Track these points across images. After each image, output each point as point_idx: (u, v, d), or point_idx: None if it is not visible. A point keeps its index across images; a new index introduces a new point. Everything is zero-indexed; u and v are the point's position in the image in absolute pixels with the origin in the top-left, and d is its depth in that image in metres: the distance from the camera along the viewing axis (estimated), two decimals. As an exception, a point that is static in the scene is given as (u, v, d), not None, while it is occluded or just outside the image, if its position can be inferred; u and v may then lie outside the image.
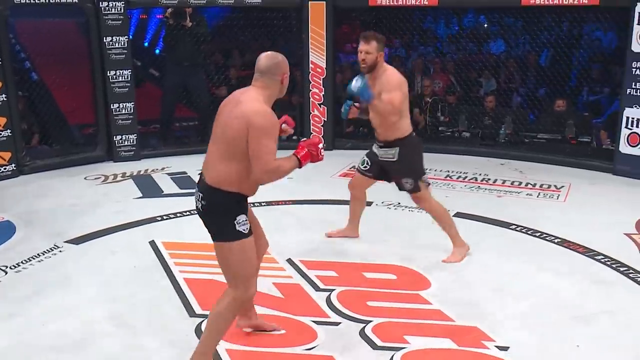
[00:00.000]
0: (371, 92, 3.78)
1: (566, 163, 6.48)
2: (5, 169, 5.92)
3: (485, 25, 8.34)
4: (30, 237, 4.47)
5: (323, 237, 4.52)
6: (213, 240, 2.76)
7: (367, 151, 4.28)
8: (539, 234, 4.59)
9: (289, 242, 4.38)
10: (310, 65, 6.94)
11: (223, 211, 2.69)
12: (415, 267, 4.01)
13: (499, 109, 7.22)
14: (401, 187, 4.11)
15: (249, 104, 2.65)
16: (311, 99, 7.06)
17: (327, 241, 4.45)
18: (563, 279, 3.86)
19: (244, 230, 2.70)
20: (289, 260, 4.09)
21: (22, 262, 4.06)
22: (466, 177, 6.12)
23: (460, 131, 7.37)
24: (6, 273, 3.91)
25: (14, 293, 3.67)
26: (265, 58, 2.75)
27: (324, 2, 6.79)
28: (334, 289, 3.69)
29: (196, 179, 5.70)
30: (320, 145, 2.84)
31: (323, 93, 7.03)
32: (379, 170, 4.19)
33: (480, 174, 6.20)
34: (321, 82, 6.99)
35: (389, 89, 3.82)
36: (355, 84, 3.75)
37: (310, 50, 6.90)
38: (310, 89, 7.02)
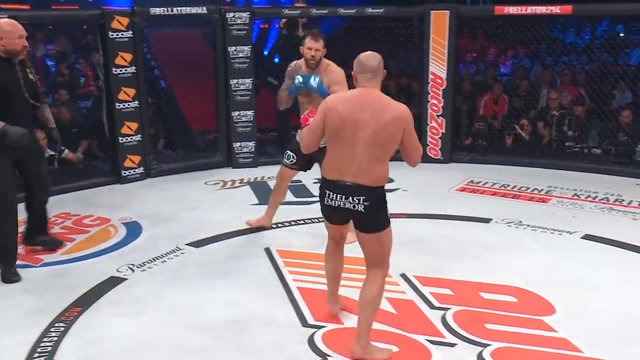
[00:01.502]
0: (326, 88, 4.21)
1: None
2: (134, 171, 6.34)
3: (622, 35, 7.87)
4: (154, 238, 4.76)
5: (440, 253, 4.45)
6: (372, 232, 3.00)
7: (289, 146, 4.62)
8: (679, 263, 4.25)
9: (403, 256, 4.33)
10: (430, 76, 6.87)
11: (383, 204, 3.00)
12: (538, 290, 3.83)
13: (637, 125, 6.76)
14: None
15: (395, 106, 2.93)
16: (429, 110, 6.98)
17: (443, 258, 4.37)
18: None
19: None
20: (403, 275, 4.05)
21: (147, 261, 4.33)
22: (596, 197, 5.78)
23: (590, 147, 6.98)
24: (133, 271, 4.18)
25: (139, 291, 3.91)
26: (373, 58, 2.97)
27: (447, 11, 6.71)
28: (450, 308, 3.61)
29: (311, 187, 5.79)
30: None
31: (442, 105, 6.92)
32: (305, 162, 4.53)
33: (612, 194, 5.83)
34: (440, 93, 6.89)
35: (338, 82, 4.24)
36: (315, 80, 4.19)
37: (430, 60, 6.82)
38: (429, 100, 6.94)
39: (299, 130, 4.50)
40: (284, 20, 7.02)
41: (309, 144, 3.12)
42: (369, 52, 3.00)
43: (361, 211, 2.94)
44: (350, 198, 2.94)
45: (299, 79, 4.22)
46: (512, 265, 4.23)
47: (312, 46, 4.27)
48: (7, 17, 5.57)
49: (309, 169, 4.65)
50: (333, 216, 3.12)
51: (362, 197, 2.92)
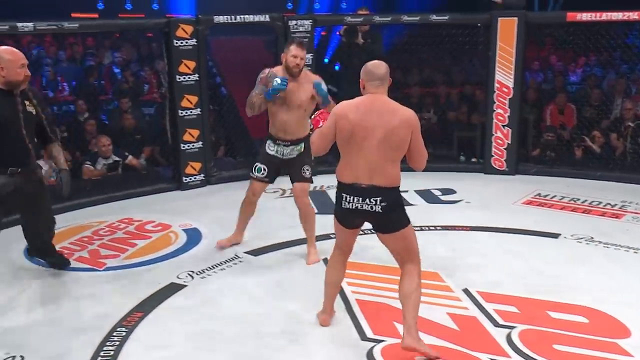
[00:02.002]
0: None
1: None
2: (195, 178, 6.47)
3: None
4: (214, 246, 4.83)
5: (505, 268, 4.34)
6: (393, 231, 3.15)
7: (259, 158, 4.51)
8: None
9: (466, 271, 4.26)
10: (496, 85, 6.73)
11: (400, 203, 3.19)
12: (611, 311, 3.68)
13: None
14: (298, 178, 4.42)
15: (403, 111, 3.10)
16: (494, 120, 6.83)
17: (508, 273, 4.25)
18: None
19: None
20: (465, 291, 3.97)
21: (206, 269, 4.40)
22: (677, 213, 5.52)
23: (668, 160, 6.68)
24: (192, 278, 4.26)
25: (198, 298, 3.98)
26: (381, 67, 3.17)
27: (516, 18, 6.57)
28: (515, 327, 3.51)
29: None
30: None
31: (508, 114, 6.77)
32: (274, 173, 4.52)
33: (694, 211, 5.56)
34: (507, 102, 6.74)
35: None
36: (323, 86, 4.21)
37: (496, 68, 6.69)
38: (494, 109, 6.80)
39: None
40: (345, 27, 7.03)
41: (319, 148, 3.27)
42: (376, 61, 3.23)
43: (379, 212, 3.09)
44: (368, 199, 3.09)
45: (277, 80, 4.15)
46: (582, 284, 4.08)
47: (298, 54, 4.23)
48: (78, 25, 5.84)
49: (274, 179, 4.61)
50: (349, 219, 3.24)
51: (378, 198, 3.07)
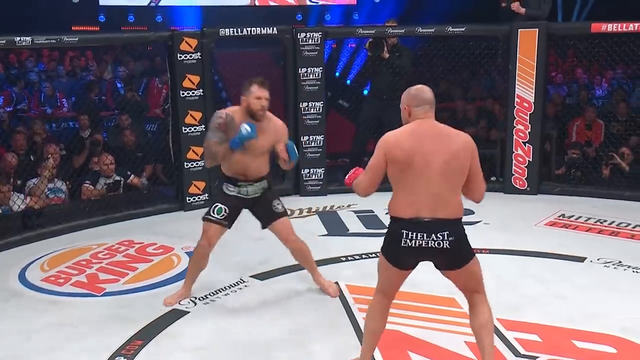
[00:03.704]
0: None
1: None
2: (199, 198, 6.49)
3: None
4: (218, 269, 4.81)
5: (527, 294, 4.30)
6: (462, 266, 3.02)
7: (220, 199, 4.18)
8: None
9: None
10: (516, 99, 6.73)
11: (465, 236, 3.01)
12: (641, 340, 3.65)
13: None
14: (273, 216, 4.16)
15: (460, 134, 3.04)
16: (514, 137, 6.83)
17: (530, 299, 4.23)
18: None
19: None
20: (485, 318, 3.94)
21: (210, 294, 4.40)
22: None
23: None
24: (195, 304, 4.25)
25: (201, 325, 3.97)
26: (427, 90, 3.09)
27: (537, 29, 6.59)
28: (538, 357, 3.49)
29: (384, 218, 5.75)
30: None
31: (529, 130, 6.76)
32: (235, 216, 4.18)
33: None
34: (527, 118, 6.73)
35: (286, 134, 4.15)
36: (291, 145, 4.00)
37: (516, 82, 6.70)
38: (514, 125, 6.80)
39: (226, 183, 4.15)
40: (370, 40, 7.06)
41: (368, 187, 3.10)
42: (419, 85, 3.14)
43: (447, 248, 2.92)
44: (433, 235, 2.90)
45: (246, 128, 3.82)
46: (609, 311, 4.04)
47: (262, 95, 3.95)
48: (78, 39, 5.92)
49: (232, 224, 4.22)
50: (409, 259, 3.02)
51: (445, 232, 2.91)
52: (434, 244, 2.91)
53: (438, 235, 2.90)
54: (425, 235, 2.90)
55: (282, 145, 3.98)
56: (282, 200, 4.26)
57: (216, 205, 4.12)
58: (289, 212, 4.31)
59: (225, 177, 4.14)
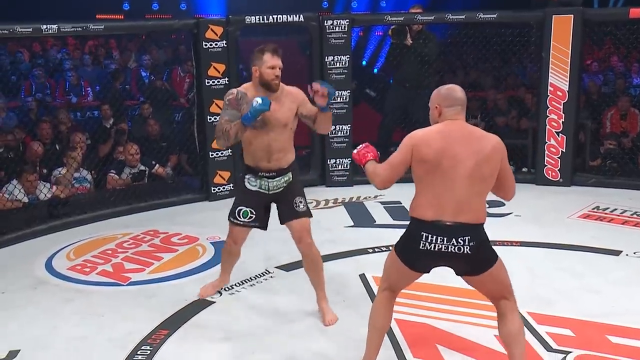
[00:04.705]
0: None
1: None
2: (224, 188, 6.56)
3: None
4: (244, 260, 4.84)
5: (559, 288, 4.28)
6: (483, 272, 2.96)
7: (240, 200, 3.96)
8: None
9: (515, 290, 4.16)
10: (549, 88, 6.66)
11: (487, 241, 2.97)
12: (677, 336, 3.61)
13: None
14: (292, 215, 3.87)
15: (491, 137, 2.97)
16: (547, 126, 6.76)
17: (563, 293, 4.20)
18: None
19: None
20: (516, 312, 3.93)
21: (235, 284, 4.45)
22: None
23: None
24: (221, 294, 4.31)
25: (226, 316, 4.03)
26: (460, 90, 3.04)
27: (572, 15, 6.50)
28: (570, 352, 3.47)
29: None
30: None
31: (563, 120, 6.69)
32: (265, 213, 3.94)
33: None
34: (561, 107, 6.66)
35: (307, 100, 3.88)
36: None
37: (550, 70, 6.62)
38: (547, 114, 6.73)
39: (243, 175, 3.96)
40: (393, 27, 7.02)
41: (386, 182, 3.00)
42: (451, 84, 3.11)
43: (467, 253, 2.88)
44: (454, 240, 2.86)
45: (257, 100, 3.57)
46: (646, 305, 4.01)
47: (277, 64, 3.71)
48: (104, 27, 6.00)
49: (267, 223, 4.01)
50: (426, 263, 2.99)
51: (467, 237, 2.86)
52: (454, 249, 2.87)
53: (459, 240, 2.86)
54: (445, 239, 2.86)
55: (314, 85, 3.70)
56: (306, 198, 3.98)
57: (240, 209, 3.92)
58: (314, 204, 4.15)
59: (247, 167, 3.92)
